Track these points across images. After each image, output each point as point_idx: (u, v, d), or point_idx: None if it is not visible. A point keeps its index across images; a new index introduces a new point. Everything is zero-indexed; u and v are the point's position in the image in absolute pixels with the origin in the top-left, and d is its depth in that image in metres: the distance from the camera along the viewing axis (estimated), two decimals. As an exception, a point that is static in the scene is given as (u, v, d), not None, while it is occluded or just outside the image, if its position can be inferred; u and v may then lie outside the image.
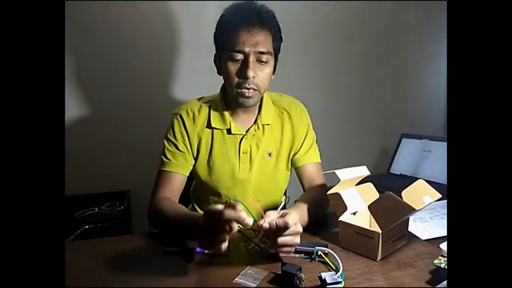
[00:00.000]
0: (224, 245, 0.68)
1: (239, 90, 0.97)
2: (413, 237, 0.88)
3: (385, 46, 2.12)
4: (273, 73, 1.03)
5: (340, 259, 0.74)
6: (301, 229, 0.76)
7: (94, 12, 1.64)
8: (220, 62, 1.01)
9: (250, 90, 0.96)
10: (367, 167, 0.92)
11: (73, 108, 1.68)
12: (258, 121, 1.07)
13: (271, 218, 0.73)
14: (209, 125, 1.06)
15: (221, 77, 1.03)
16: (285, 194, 1.24)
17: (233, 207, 0.66)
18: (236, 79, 0.97)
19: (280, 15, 1.03)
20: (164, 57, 1.77)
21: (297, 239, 0.75)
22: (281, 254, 0.78)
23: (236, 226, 0.67)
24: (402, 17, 2.11)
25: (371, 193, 0.92)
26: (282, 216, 0.73)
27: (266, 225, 0.71)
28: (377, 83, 2.15)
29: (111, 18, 1.67)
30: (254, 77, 0.95)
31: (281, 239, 0.73)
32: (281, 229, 0.72)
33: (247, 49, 0.94)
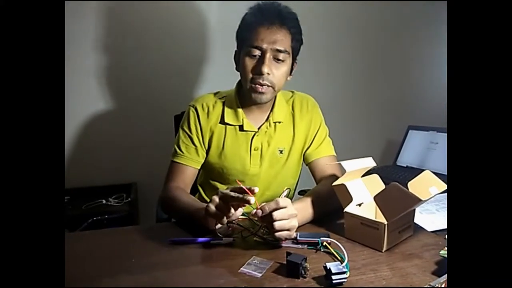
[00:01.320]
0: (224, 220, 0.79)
1: (253, 85, 0.98)
2: (419, 229, 0.88)
3: (391, 38, 2.09)
4: (290, 73, 1.05)
5: (346, 250, 0.74)
6: (295, 212, 0.79)
7: (93, 8, 1.64)
8: (239, 58, 1.02)
9: (264, 86, 0.98)
10: (373, 159, 0.91)
11: (81, 103, 1.69)
12: (270, 118, 1.08)
13: (264, 205, 0.77)
14: (222, 121, 1.08)
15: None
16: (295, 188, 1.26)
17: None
18: (251, 74, 0.98)
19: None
20: (169, 54, 1.77)
21: (294, 222, 0.78)
22: (282, 243, 0.80)
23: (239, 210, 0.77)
24: (408, 10, 2.08)
25: (377, 184, 0.91)
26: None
27: (258, 211, 0.76)
28: (384, 74, 2.13)
29: (116, 16, 1.67)
30: (268, 74, 0.97)
31: (277, 223, 0.76)
32: (273, 210, 0.76)
33: (264, 46, 0.96)
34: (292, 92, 1.16)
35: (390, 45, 2.10)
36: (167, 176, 1.08)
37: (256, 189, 0.75)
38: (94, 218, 1.51)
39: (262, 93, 0.98)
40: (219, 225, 0.81)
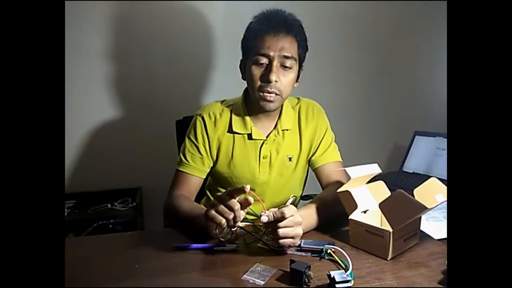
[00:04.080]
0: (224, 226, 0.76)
1: (261, 94, 0.98)
2: (426, 236, 0.86)
3: (398, 42, 2.08)
4: (297, 81, 1.04)
5: (350, 258, 0.73)
6: (300, 220, 0.78)
7: (99, 13, 1.66)
8: (245, 67, 1.02)
9: (272, 95, 0.97)
10: (379, 165, 0.91)
11: (87, 108, 1.71)
12: (278, 126, 1.08)
13: (270, 212, 0.77)
14: (230, 130, 1.07)
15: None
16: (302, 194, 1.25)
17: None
18: (259, 83, 0.98)
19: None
20: (175, 60, 1.78)
21: (298, 230, 0.77)
22: (287, 251, 0.79)
23: (238, 208, 0.75)
24: (416, 12, 2.07)
25: (382, 191, 0.90)
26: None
27: (264, 217, 0.75)
28: (391, 79, 2.12)
29: (122, 22, 1.69)
30: (276, 81, 0.96)
31: (281, 230, 0.75)
32: (279, 220, 0.75)
33: (271, 53, 0.96)
34: (298, 98, 1.16)
35: (396, 49, 2.09)
36: (172, 185, 1.08)
37: (248, 187, 0.73)
38: (100, 222, 1.51)
39: (270, 101, 0.98)
40: (219, 231, 0.80)
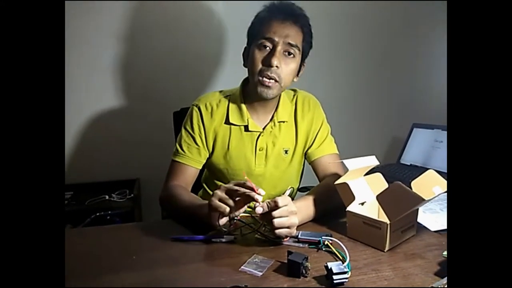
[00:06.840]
0: (226, 219, 0.80)
1: (260, 78, 0.97)
2: (422, 228, 0.87)
3: (397, 35, 2.07)
4: (297, 75, 1.04)
5: (347, 249, 0.74)
6: (295, 209, 0.78)
7: (101, 6, 1.64)
8: (249, 53, 1.02)
9: (271, 81, 0.96)
10: (376, 157, 0.91)
11: (85, 99, 1.70)
12: (275, 118, 1.07)
13: (264, 203, 0.77)
14: (227, 121, 1.06)
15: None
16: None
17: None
18: (260, 66, 0.97)
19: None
20: (173, 50, 1.76)
21: (294, 219, 0.78)
22: (284, 242, 0.79)
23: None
24: (414, 8, 2.05)
25: (379, 183, 0.90)
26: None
27: (259, 209, 0.76)
28: (389, 72, 2.11)
29: (122, 11, 1.67)
30: (278, 67, 0.96)
31: (276, 220, 0.76)
32: (273, 209, 0.76)
33: (276, 38, 0.95)
34: (295, 90, 1.15)
35: (395, 42, 2.08)
36: (168, 175, 1.07)
37: (263, 192, 0.75)
38: (97, 214, 1.51)
39: (268, 87, 0.97)
40: (222, 220, 0.80)
